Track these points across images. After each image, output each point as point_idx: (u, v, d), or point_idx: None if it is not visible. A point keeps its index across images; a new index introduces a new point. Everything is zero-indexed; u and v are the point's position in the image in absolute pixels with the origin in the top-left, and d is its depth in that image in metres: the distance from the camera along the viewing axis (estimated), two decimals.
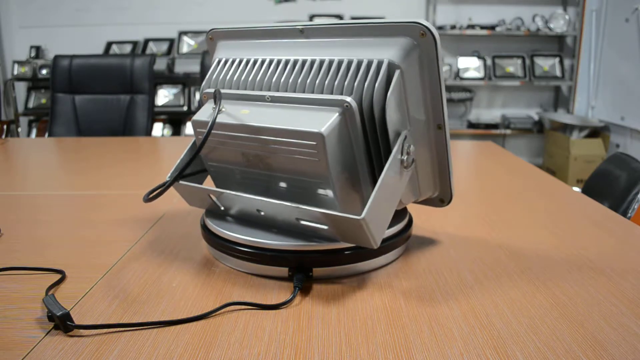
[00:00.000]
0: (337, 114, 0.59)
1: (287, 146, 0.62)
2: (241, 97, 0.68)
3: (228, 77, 0.71)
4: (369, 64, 0.60)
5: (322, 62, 0.65)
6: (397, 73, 0.59)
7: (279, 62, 0.68)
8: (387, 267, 0.68)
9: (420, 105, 0.63)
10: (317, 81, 0.63)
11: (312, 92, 0.63)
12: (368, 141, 0.62)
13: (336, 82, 0.62)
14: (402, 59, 0.59)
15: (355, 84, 0.60)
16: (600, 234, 0.80)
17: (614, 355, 0.48)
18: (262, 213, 0.67)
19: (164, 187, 0.64)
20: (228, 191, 0.68)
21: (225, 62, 0.73)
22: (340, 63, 0.63)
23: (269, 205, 0.64)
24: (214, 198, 0.71)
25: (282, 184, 0.67)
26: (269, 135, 0.62)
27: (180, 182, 0.72)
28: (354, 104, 0.59)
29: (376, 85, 0.59)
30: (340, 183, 0.62)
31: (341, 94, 0.61)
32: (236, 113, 0.66)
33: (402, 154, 0.60)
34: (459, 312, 0.56)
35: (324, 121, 0.58)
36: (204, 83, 0.73)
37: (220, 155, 0.71)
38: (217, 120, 0.66)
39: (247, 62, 0.71)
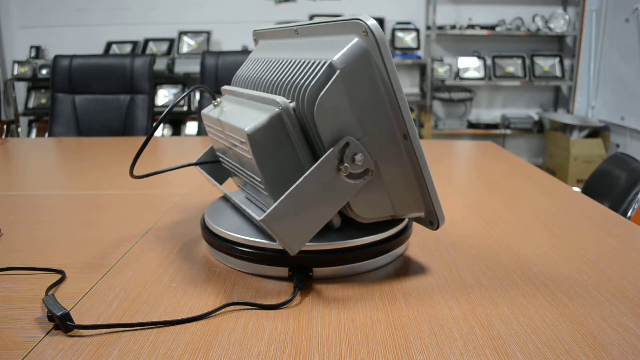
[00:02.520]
0: (269, 113, 0.59)
1: (234, 142, 0.64)
2: (233, 93, 0.74)
3: (239, 74, 0.78)
4: (315, 64, 0.59)
5: (281, 62, 0.67)
6: (335, 75, 0.55)
7: (269, 61, 0.71)
8: (387, 267, 0.68)
9: (375, 111, 0.58)
10: (271, 80, 0.65)
11: (263, 91, 0.66)
12: (313, 144, 0.61)
13: (283, 82, 0.62)
14: (342, 59, 0.55)
15: (295, 84, 0.59)
16: (600, 234, 0.80)
17: (614, 355, 0.48)
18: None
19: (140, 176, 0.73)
20: (215, 181, 0.75)
21: (250, 61, 0.79)
22: (294, 63, 0.63)
23: (239, 198, 0.70)
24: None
25: (247, 179, 0.70)
26: (226, 130, 0.66)
27: (198, 167, 0.83)
28: (285, 104, 0.58)
29: (310, 86, 0.57)
30: (275, 183, 0.61)
31: (284, 94, 0.62)
32: (223, 108, 0.71)
33: (340, 162, 0.57)
34: (459, 312, 0.56)
35: (255, 120, 0.59)
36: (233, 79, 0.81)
37: (217, 146, 0.77)
38: (209, 114, 0.73)
39: (257, 61, 0.76)
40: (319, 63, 0.58)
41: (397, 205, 0.64)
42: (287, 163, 0.60)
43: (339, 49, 0.56)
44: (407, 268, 0.68)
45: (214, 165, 0.87)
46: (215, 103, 0.73)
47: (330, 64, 0.56)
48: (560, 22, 3.92)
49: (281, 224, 0.56)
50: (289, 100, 0.60)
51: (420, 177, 0.61)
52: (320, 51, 0.60)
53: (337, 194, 0.58)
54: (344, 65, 0.55)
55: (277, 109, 0.58)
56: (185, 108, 3.93)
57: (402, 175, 0.62)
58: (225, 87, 0.78)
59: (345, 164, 0.57)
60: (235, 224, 0.69)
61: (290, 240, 0.57)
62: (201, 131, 2.21)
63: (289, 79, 0.62)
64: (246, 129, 0.58)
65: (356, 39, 0.56)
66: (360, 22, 0.55)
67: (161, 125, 3.88)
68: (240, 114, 0.64)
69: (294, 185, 0.56)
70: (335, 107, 0.56)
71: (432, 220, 0.65)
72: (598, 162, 3.55)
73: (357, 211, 0.62)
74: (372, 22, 0.54)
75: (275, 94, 0.64)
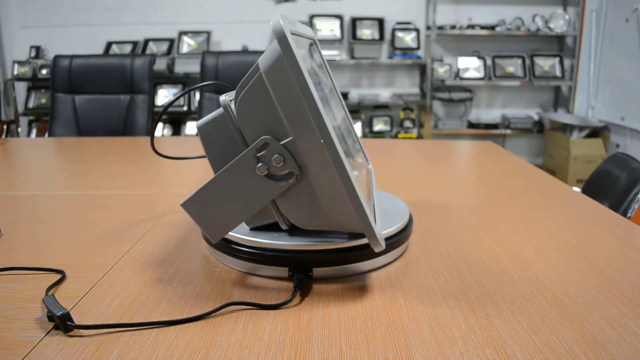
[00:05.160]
0: (221, 110, 0.61)
1: None
2: None
3: None
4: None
5: None
6: (256, 75, 0.56)
7: None
8: (387, 267, 0.68)
9: (298, 114, 0.55)
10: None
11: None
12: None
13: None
14: (264, 60, 0.55)
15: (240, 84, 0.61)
16: (600, 234, 0.80)
17: (614, 355, 0.48)
18: None
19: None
20: None
21: None
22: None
23: None
24: None
25: None
26: None
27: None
28: (224, 102, 0.60)
29: (240, 85, 0.59)
30: None
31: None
32: None
33: (258, 161, 0.58)
34: (459, 312, 0.56)
35: (209, 115, 0.63)
36: None
37: None
38: None
39: None
40: (257, 65, 0.59)
41: (334, 217, 0.60)
42: (231, 156, 0.62)
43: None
44: (407, 268, 0.68)
45: None
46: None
47: (257, 65, 0.56)
48: (560, 22, 3.92)
49: (198, 210, 0.61)
50: (231, 99, 0.62)
51: (348, 189, 0.56)
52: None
53: (255, 193, 0.59)
54: (265, 66, 0.55)
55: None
56: (185, 108, 3.93)
57: (332, 184, 0.57)
58: None
59: (262, 164, 0.57)
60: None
61: (208, 228, 0.62)
62: None
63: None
64: (196, 123, 0.63)
65: (275, 41, 0.56)
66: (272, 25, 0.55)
67: (161, 125, 3.89)
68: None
69: (212, 177, 0.60)
70: (256, 106, 0.57)
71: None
72: (598, 162, 3.55)
73: (287, 215, 0.61)
74: (273, 22, 0.53)
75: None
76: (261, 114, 0.57)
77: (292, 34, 0.58)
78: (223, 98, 0.61)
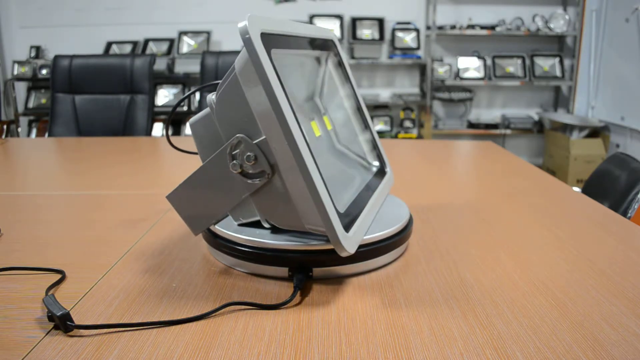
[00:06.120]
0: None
1: None
2: None
3: None
4: None
5: None
6: (232, 75, 0.57)
7: None
8: (387, 267, 0.68)
9: (268, 114, 0.55)
10: None
11: None
12: None
13: None
14: (238, 60, 0.56)
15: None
16: (600, 234, 0.80)
17: (614, 355, 0.48)
18: None
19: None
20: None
21: None
22: None
23: None
24: None
25: None
26: None
27: None
28: (210, 100, 0.61)
29: (220, 85, 0.60)
30: None
31: None
32: None
33: (233, 158, 0.59)
34: (459, 312, 0.56)
35: (200, 113, 0.64)
36: None
37: None
38: None
39: None
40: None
41: (304, 218, 0.59)
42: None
43: None
44: (407, 268, 0.68)
45: None
46: None
47: (234, 66, 0.57)
48: (560, 22, 3.92)
49: (181, 203, 0.64)
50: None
51: (312, 190, 0.56)
52: None
53: (231, 189, 0.61)
54: (238, 67, 0.56)
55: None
56: (185, 108, 3.93)
57: (299, 185, 0.57)
58: None
59: (236, 161, 0.59)
60: (235, 224, 0.69)
61: (189, 220, 0.65)
62: None
63: None
64: (190, 120, 0.65)
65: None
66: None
67: (161, 125, 3.89)
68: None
69: (194, 172, 0.62)
70: (232, 105, 0.58)
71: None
72: (598, 162, 3.55)
73: (262, 213, 0.62)
74: (240, 23, 0.54)
75: None
76: (236, 112, 0.59)
77: (273, 34, 0.59)
78: (209, 96, 0.62)
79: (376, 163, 0.85)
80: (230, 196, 0.62)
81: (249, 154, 0.58)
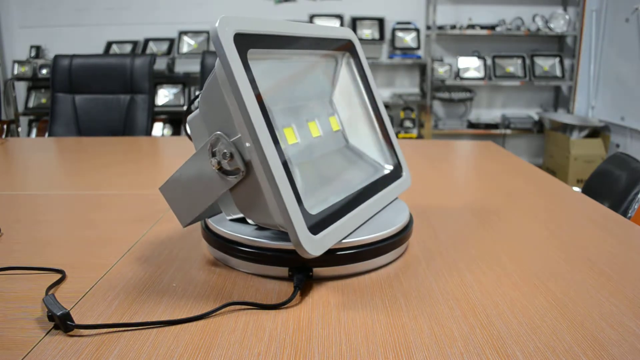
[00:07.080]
0: None
1: None
2: None
3: None
4: None
5: None
6: (212, 74, 0.59)
7: None
8: (387, 267, 0.68)
9: (240, 113, 0.57)
10: None
11: None
12: None
13: None
14: (218, 60, 0.57)
15: None
16: (600, 234, 0.80)
17: (614, 355, 0.48)
18: None
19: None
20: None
21: None
22: None
23: None
24: None
25: None
26: None
27: None
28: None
29: (204, 83, 0.61)
30: None
31: None
32: None
33: (213, 154, 0.60)
34: (459, 312, 0.56)
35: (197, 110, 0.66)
36: None
37: None
38: None
39: None
40: None
41: (275, 216, 0.60)
42: None
43: None
44: (407, 268, 0.68)
45: None
46: None
47: (215, 64, 0.59)
48: (560, 22, 3.92)
49: (171, 194, 0.67)
50: None
51: (274, 190, 0.57)
52: None
53: (212, 184, 0.63)
54: (218, 66, 0.58)
55: None
56: (185, 108, 3.93)
57: (268, 184, 0.58)
58: None
59: (214, 158, 0.60)
60: (236, 224, 0.69)
61: (178, 211, 0.67)
62: None
63: None
64: (188, 117, 0.66)
65: None
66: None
67: (161, 125, 3.89)
68: None
69: (181, 166, 0.64)
70: (213, 103, 0.60)
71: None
72: (598, 162, 3.55)
73: (240, 209, 0.63)
74: (213, 26, 0.55)
75: None
76: (216, 111, 0.60)
77: (252, 34, 0.60)
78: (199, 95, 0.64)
79: (389, 166, 0.83)
80: (211, 191, 0.63)
81: (225, 151, 0.60)
